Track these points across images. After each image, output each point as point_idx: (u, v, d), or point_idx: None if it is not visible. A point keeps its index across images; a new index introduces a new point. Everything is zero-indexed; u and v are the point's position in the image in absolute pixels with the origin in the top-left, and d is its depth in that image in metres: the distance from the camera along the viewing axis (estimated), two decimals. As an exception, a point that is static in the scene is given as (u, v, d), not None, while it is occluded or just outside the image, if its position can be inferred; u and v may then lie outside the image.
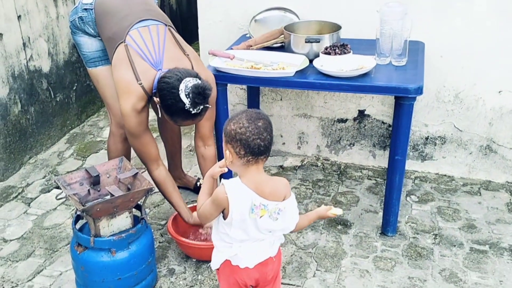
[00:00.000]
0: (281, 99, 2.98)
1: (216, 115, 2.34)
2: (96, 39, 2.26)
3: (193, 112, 1.93)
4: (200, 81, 1.92)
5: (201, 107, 1.94)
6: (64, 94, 3.32)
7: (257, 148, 1.43)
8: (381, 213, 2.45)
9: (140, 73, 2.03)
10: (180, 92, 1.90)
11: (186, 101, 1.90)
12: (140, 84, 2.02)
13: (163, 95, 1.95)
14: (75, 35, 2.30)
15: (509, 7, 2.40)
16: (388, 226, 2.36)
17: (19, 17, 2.86)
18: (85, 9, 2.21)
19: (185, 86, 1.90)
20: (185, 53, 2.16)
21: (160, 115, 2.07)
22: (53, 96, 3.22)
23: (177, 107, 1.93)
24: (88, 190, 2.01)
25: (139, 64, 2.04)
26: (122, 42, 2.08)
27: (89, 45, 2.28)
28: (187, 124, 2.09)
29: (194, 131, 2.35)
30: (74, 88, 3.42)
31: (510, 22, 2.43)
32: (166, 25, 2.19)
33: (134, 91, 2.02)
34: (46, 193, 2.77)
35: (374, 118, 2.86)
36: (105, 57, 2.27)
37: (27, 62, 2.96)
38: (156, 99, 2.01)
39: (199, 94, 1.89)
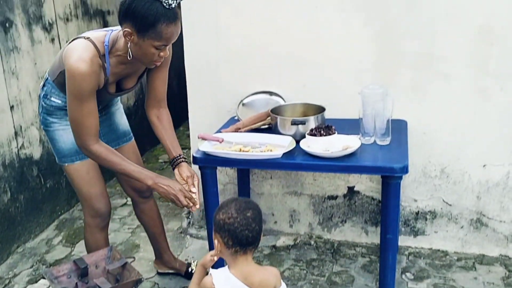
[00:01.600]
0: (271, 178, 3.01)
1: (206, 198, 2.34)
2: (70, 129, 2.04)
3: (172, 5, 1.76)
4: None
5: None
6: (55, 179, 3.33)
7: (245, 239, 1.43)
8: (376, 293, 2.41)
9: (85, 35, 1.93)
10: None
11: None
12: (87, 38, 1.89)
13: (135, 8, 1.76)
14: (48, 129, 2.16)
15: (484, 85, 2.51)
16: (384, 307, 2.31)
17: (11, 107, 2.93)
18: (43, 85, 2.13)
19: None
20: None
21: (131, 55, 1.87)
22: (43, 183, 3.23)
23: (156, 9, 1.75)
24: (76, 283, 1.97)
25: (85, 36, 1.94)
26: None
27: (64, 139, 2.14)
28: (170, 37, 1.84)
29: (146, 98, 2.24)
30: (64, 173, 3.42)
31: (487, 100, 2.53)
32: None
33: (79, 45, 1.87)
34: (33, 284, 2.69)
35: (364, 195, 2.88)
36: (79, 152, 2.12)
37: (18, 151, 3.00)
38: (127, 30, 1.81)
39: None
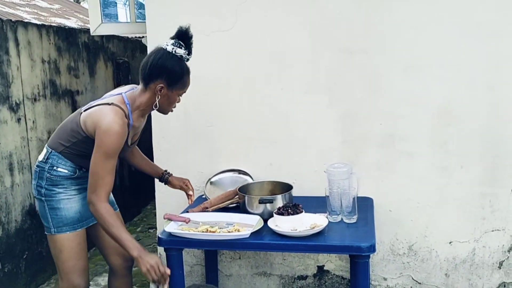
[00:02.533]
0: (239, 258, 2.94)
1: (172, 282, 2.26)
2: (74, 198, 2.22)
3: (189, 59, 2.11)
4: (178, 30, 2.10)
5: (191, 44, 2.10)
6: (13, 263, 3.18)
7: None
8: None
9: (109, 101, 2.12)
10: (173, 51, 2.06)
11: (182, 52, 2.07)
12: (111, 104, 2.09)
13: (164, 65, 2.06)
14: (52, 200, 2.21)
15: (446, 163, 2.60)
16: None
17: (-28, 187, 2.84)
18: (47, 158, 2.21)
19: (171, 44, 2.08)
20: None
21: (156, 106, 2.15)
22: (1, 267, 3.07)
23: (180, 65, 2.09)
24: None
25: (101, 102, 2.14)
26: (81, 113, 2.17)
27: (69, 207, 2.21)
28: (188, 86, 2.19)
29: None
30: (25, 256, 3.28)
31: (448, 177, 2.61)
32: None
33: (109, 110, 2.07)
34: None
35: (334, 274, 2.84)
36: (80, 220, 2.24)
37: (-25, 233, 2.87)
38: (158, 85, 2.09)
39: (183, 33, 2.07)
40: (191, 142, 2.87)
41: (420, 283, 2.72)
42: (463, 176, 2.59)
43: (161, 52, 2.09)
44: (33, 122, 3.37)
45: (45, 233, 2.26)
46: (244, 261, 2.94)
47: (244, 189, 2.52)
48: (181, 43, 2.09)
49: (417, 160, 2.62)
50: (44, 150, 2.25)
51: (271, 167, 2.78)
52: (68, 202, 2.22)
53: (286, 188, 2.48)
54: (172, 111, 2.25)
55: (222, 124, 2.82)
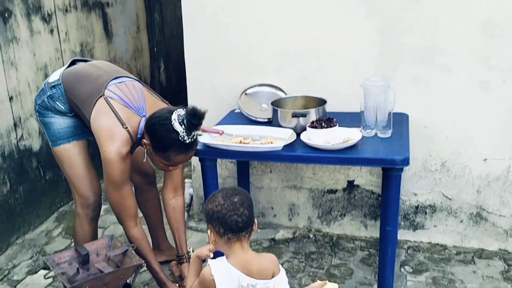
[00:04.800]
0: (270, 172, 3.00)
1: (206, 191, 2.34)
2: (66, 116, 2.24)
3: (187, 141, 1.94)
4: (189, 108, 1.95)
5: (195, 134, 1.96)
6: (54, 172, 3.32)
7: (235, 225, 1.43)
8: (375, 286, 2.40)
9: (124, 119, 2.03)
10: (173, 122, 1.92)
11: (180, 129, 1.92)
12: (126, 128, 2.02)
13: (155, 130, 1.95)
14: (44, 117, 2.25)
15: (487, 78, 2.51)
16: (383, 300, 2.31)
17: (11, 98, 2.91)
18: (53, 86, 2.22)
19: (178, 115, 1.94)
20: (163, 101, 2.23)
21: (145, 159, 2.05)
22: (42, 175, 3.22)
23: (171, 139, 1.93)
24: (77, 269, 1.97)
25: (122, 111, 2.05)
26: (101, 96, 2.08)
27: (60, 123, 2.23)
28: (179, 162, 2.07)
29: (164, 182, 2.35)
30: (64, 165, 3.42)
31: (489, 94, 2.52)
32: (139, 81, 2.26)
33: (119, 135, 2.01)
34: (32, 275, 2.69)
35: (364, 189, 2.87)
36: (74, 134, 2.25)
37: (17, 142, 2.98)
38: (144, 141, 2.01)
39: (195, 115, 1.91)
40: (222, 56, 2.83)
41: (450, 199, 2.74)
42: (504, 92, 2.50)
43: (166, 115, 1.95)
44: (66, 33, 3.37)
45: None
46: (275, 174, 2.99)
47: (277, 103, 2.50)
48: (186, 121, 1.93)
49: (456, 75, 2.54)
50: (57, 77, 2.24)
51: (304, 82, 2.74)
52: (60, 117, 2.23)
53: (319, 102, 2.45)
54: (164, 170, 2.16)
55: (255, 38, 2.76)
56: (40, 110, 2.25)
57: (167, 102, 2.26)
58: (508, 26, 2.42)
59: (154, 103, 2.16)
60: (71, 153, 2.25)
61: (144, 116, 2.08)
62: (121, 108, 2.05)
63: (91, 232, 2.35)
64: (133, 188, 2.53)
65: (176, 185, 2.31)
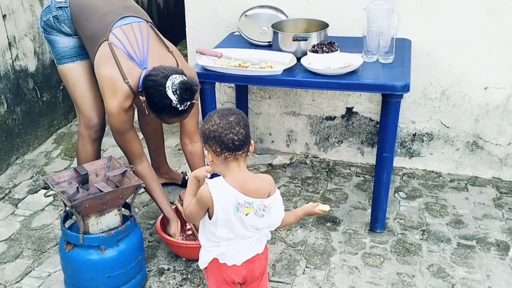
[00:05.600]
0: (269, 97, 2.98)
1: (204, 114, 2.33)
2: (72, 37, 2.21)
3: (180, 108, 1.94)
4: (186, 78, 1.92)
5: (188, 103, 1.94)
6: (51, 93, 3.30)
7: (232, 143, 1.44)
8: (369, 210, 2.47)
9: (126, 72, 2.02)
10: (167, 89, 1.90)
11: (173, 97, 1.90)
12: (127, 83, 2.01)
13: (150, 93, 1.95)
14: (49, 34, 2.23)
15: (496, 5, 2.43)
16: (376, 223, 2.38)
17: (4, 16, 2.83)
18: (60, 7, 2.17)
19: (172, 83, 1.90)
20: (169, 50, 2.17)
21: (147, 113, 2.06)
22: (39, 96, 3.19)
23: (164, 104, 1.93)
24: (77, 188, 2.00)
25: (124, 63, 2.03)
26: (105, 40, 2.06)
27: (65, 42, 2.22)
28: (173, 122, 2.10)
29: (180, 129, 2.35)
30: (61, 87, 3.39)
31: (496, 20, 2.46)
32: (147, 22, 2.19)
33: (121, 90, 2.01)
34: (33, 194, 2.74)
35: (362, 116, 2.87)
36: (79, 54, 2.24)
37: (12, 62, 2.93)
38: (142, 98, 2.01)
39: (187, 90, 1.90)
40: (223, -26, 2.73)
41: (448, 127, 2.75)
42: (511, 18, 2.43)
43: (160, 81, 1.91)
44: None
45: None
46: (274, 100, 2.98)
47: (277, 26, 2.44)
48: (180, 91, 1.89)
49: (463, 0, 2.46)
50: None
51: (306, 3, 2.66)
52: (65, 37, 2.22)
53: (321, 26, 2.40)
54: (166, 122, 2.13)
55: (257, -45, 2.64)
56: (45, 27, 2.23)
57: (172, 48, 2.19)
58: None
59: (158, 55, 2.11)
60: (75, 73, 2.26)
61: (145, 68, 2.05)
62: (123, 60, 2.04)
63: (93, 153, 2.38)
64: (136, 112, 2.52)
65: (190, 132, 2.30)
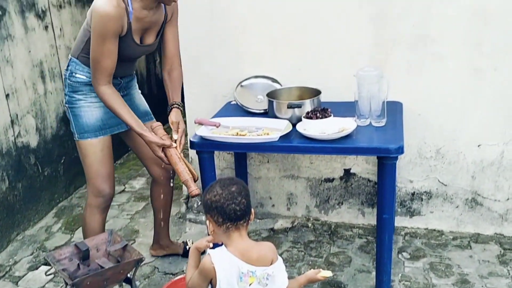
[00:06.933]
0: (268, 162, 3.02)
1: (204, 183, 2.36)
2: (95, 105, 2.27)
3: None
4: None
5: None
6: (52, 167, 3.34)
7: (234, 213, 1.46)
8: (374, 273, 2.44)
9: None
10: None
11: None
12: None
13: None
14: (74, 107, 2.28)
15: (479, 65, 2.53)
16: (381, 286, 2.34)
17: (7, 95, 2.92)
18: (67, 66, 2.28)
19: None
20: None
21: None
22: (41, 171, 3.24)
23: None
24: (78, 265, 2.00)
25: None
26: None
27: (89, 116, 2.28)
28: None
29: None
30: (62, 161, 3.44)
31: (481, 79, 2.55)
32: None
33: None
34: (34, 271, 2.72)
35: (360, 177, 2.90)
36: (101, 128, 2.30)
37: (15, 139, 3.00)
38: None
39: None
40: (218, 48, 2.84)
41: (445, 185, 2.77)
42: (496, 78, 2.53)
43: None
44: (60, 29, 3.37)
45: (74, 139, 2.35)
46: (273, 164, 3.02)
47: (272, 95, 2.52)
48: None
49: (449, 62, 2.56)
50: (69, 58, 2.30)
51: (299, 72, 2.76)
52: (89, 110, 2.28)
53: (314, 93, 2.47)
54: (173, 1, 2.15)
55: (249, 29, 2.77)
56: (70, 97, 2.27)
57: None
58: (498, 12, 2.44)
59: None
60: (95, 148, 2.31)
61: None
62: None
63: (101, 222, 2.39)
64: (151, 179, 2.55)
65: (172, 55, 2.35)
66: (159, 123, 2.27)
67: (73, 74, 2.26)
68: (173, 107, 2.33)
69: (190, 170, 2.17)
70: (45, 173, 3.28)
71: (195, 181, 2.16)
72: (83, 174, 2.39)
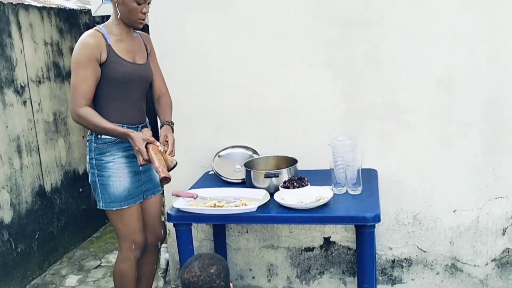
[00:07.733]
0: (247, 232, 3.00)
1: (182, 256, 2.32)
2: (123, 170, 2.32)
3: None
4: None
5: None
6: (26, 243, 3.25)
7: None
8: None
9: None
10: None
11: None
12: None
13: None
14: (104, 172, 2.31)
15: (448, 133, 2.62)
16: None
17: (-18, 171, 2.89)
18: (90, 133, 2.32)
19: None
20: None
21: (119, 14, 2.22)
22: (14, 247, 3.14)
23: None
24: None
25: None
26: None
27: (117, 184, 2.31)
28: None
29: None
30: (36, 236, 3.35)
31: (451, 147, 2.63)
32: None
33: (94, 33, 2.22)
34: None
35: (340, 245, 2.89)
36: (127, 198, 2.34)
37: (-12, 215, 2.93)
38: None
39: None
40: (196, 119, 2.90)
41: (425, 251, 2.77)
42: (466, 144, 2.61)
43: None
44: (39, 104, 3.40)
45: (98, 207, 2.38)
46: (252, 234, 2.99)
47: (249, 164, 2.55)
48: None
49: (419, 130, 2.64)
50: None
51: (275, 142, 2.81)
52: (117, 179, 2.31)
53: (291, 162, 2.51)
54: (141, 22, 2.27)
55: (225, 101, 2.84)
56: (98, 160, 2.30)
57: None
58: (464, 81, 2.57)
59: None
60: (124, 215, 2.36)
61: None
62: None
63: (135, 271, 2.46)
64: (139, 248, 2.51)
65: (159, 88, 2.48)
66: (147, 129, 2.38)
67: (99, 136, 2.29)
68: (164, 124, 2.42)
69: (166, 162, 2.20)
70: (18, 250, 3.19)
71: (170, 170, 2.20)
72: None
